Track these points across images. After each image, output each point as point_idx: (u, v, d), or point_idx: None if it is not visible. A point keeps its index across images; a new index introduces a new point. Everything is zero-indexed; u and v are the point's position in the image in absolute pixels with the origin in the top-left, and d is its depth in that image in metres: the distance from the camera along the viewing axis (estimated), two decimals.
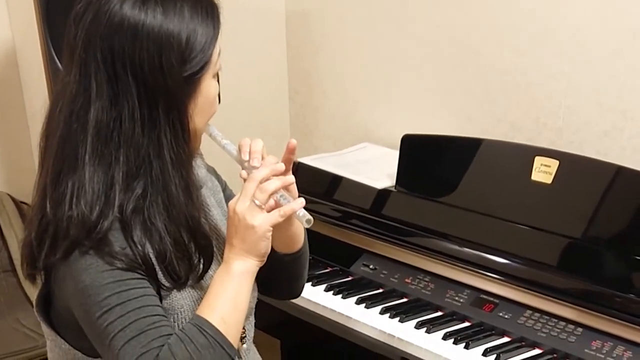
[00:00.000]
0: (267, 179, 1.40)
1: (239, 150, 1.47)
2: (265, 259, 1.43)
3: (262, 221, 1.38)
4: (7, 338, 2.55)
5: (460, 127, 2.54)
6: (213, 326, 1.34)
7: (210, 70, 1.40)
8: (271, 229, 1.40)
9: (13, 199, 2.83)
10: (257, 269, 1.42)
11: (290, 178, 1.45)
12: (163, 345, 1.31)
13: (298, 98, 3.17)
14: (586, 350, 1.82)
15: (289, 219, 1.46)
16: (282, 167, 1.44)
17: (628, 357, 1.77)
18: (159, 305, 1.36)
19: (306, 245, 1.64)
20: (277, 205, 1.42)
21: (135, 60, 1.34)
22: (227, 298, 1.38)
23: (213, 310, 1.36)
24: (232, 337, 1.36)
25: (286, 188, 1.45)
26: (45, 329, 1.48)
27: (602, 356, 1.79)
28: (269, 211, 1.40)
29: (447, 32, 2.57)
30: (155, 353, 1.30)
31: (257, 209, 1.38)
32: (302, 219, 1.42)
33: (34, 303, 1.49)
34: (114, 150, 1.35)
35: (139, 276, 1.34)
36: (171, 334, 1.33)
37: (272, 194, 1.40)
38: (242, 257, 1.40)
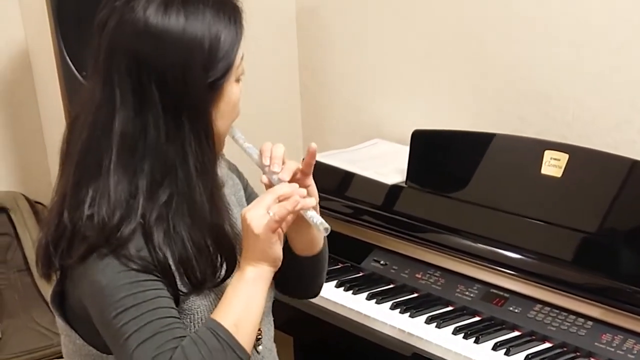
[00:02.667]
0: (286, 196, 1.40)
1: (260, 154, 1.47)
2: (279, 264, 1.43)
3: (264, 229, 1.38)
4: (22, 337, 2.57)
5: (470, 122, 2.54)
6: (226, 330, 1.35)
7: (232, 74, 1.40)
8: (276, 235, 1.39)
9: (27, 199, 2.85)
10: (271, 274, 1.43)
11: (310, 202, 1.43)
12: (177, 347, 1.32)
13: (309, 95, 3.18)
14: (596, 344, 1.81)
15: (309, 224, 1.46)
16: (312, 203, 1.43)
17: (638, 350, 1.76)
18: (173, 308, 1.37)
19: (325, 247, 1.65)
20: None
21: (159, 68, 1.34)
22: (241, 303, 1.38)
23: (227, 315, 1.37)
24: (245, 341, 1.37)
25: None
26: (60, 323, 1.48)
27: (612, 349, 1.79)
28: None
29: (456, 26, 2.57)
30: (169, 355, 1.31)
31: (266, 217, 1.37)
32: (320, 227, 1.41)
33: (49, 299, 1.50)
34: (138, 160, 1.35)
35: (155, 278, 1.35)
36: (184, 336, 1.34)
37: (289, 213, 1.39)
38: (254, 263, 1.40)
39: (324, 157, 2.58)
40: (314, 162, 1.49)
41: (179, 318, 1.37)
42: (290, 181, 1.44)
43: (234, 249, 1.46)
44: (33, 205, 2.84)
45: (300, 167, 1.48)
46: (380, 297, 2.12)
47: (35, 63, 2.85)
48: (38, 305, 2.66)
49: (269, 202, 1.39)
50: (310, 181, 1.50)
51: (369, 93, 2.93)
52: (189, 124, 1.36)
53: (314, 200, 1.46)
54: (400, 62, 2.78)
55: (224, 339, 1.34)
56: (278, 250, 1.41)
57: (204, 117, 1.38)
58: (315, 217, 1.42)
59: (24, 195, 2.86)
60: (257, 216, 1.38)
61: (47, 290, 1.66)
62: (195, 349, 1.32)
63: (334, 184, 2.49)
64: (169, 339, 1.32)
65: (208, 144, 1.39)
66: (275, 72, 3.13)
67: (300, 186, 1.45)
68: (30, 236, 2.72)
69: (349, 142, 2.89)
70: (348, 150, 2.71)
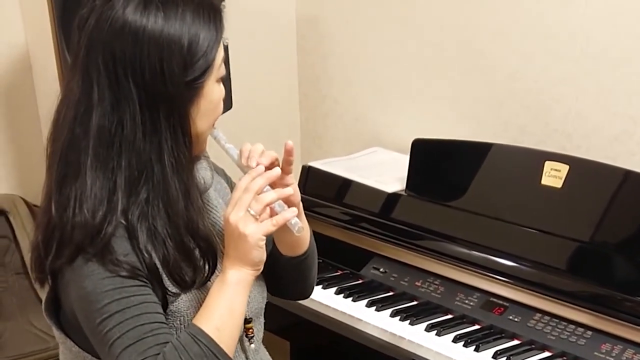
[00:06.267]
0: (263, 189, 1.40)
1: (240, 154, 1.48)
2: (261, 268, 1.43)
3: (254, 230, 1.38)
4: (19, 340, 2.56)
5: (470, 131, 2.56)
6: (207, 335, 1.35)
7: (212, 74, 1.41)
8: (264, 238, 1.40)
9: (26, 202, 2.85)
10: (253, 278, 1.43)
11: (287, 190, 1.44)
12: (159, 354, 1.32)
13: (308, 103, 3.19)
14: (595, 353, 1.82)
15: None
16: (277, 172, 1.43)
17: None
18: (159, 313, 1.37)
19: (312, 248, 1.64)
20: (273, 213, 1.42)
21: (136, 65, 1.35)
22: (222, 307, 1.38)
23: (208, 320, 1.37)
24: (227, 346, 1.37)
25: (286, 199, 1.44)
26: (55, 332, 1.49)
27: (612, 359, 1.80)
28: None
29: (457, 36, 2.59)
30: None
31: (251, 218, 1.38)
32: (294, 227, 1.43)
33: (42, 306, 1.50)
34: (115, 156, 1.36)
35: (141, 283, 1.35)
36: (169, 342, 1.34)
37: (267, 205, 1.40)
38: (236, 266, 1.40)
39: (323, 165, 2.59)
40: (292, 160, 1.49)
41: (165, 323, 1.37)
42: (271, 185, 1.44)
43: (213, 244, 1.45)
44: (31, 208, 2.83)
45: (278, 157, 1.47)
46: (379, 305, 2.12)
47: (36, 66, 2.86)
48: (35, 309, 2.65)
49: (248, 201, 1.39)
50: (292, 180, 1.50)
51: (368, 102, 2.94)
52: (166, 121, 1.37)
53: (291, 189, 1.45)
54: (401, 71, 2.79)
55: (205, 344, 1.34)
56: (262, 253, 1.41)
57: (181, 114, 1.38)
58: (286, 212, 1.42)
59: (22, 198, 2.85)
60: (243, 217, 1.38)
61: (44, 293, 1.67)
62: (176, 355, 1.32)
63: (333, 192, 2.49)
64: (152, 345, 1.32)
65: (185, 142, 1.39)
66: (274, 80, 3.14)
67: (281, 186, 1.46)
68: (28, 239, 2.71)
69: (348, 150, 2.90)
70: (347, 158, 2.72)
